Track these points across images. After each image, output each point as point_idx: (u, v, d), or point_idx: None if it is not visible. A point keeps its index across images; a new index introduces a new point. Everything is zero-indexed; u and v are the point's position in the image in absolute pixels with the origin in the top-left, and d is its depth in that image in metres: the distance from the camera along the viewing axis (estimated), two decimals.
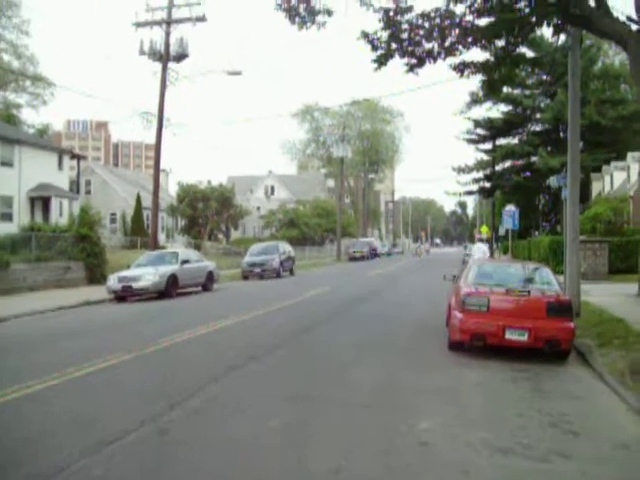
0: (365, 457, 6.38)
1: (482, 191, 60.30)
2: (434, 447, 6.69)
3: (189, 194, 61.14)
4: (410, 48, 15.50)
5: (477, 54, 55.78)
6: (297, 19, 15.29)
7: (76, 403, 8.57)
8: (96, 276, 31.66)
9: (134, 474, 5.93)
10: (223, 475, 5.94)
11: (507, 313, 11.53)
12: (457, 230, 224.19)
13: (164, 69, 34.81)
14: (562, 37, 18.06)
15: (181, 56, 35.21)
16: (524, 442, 6.88)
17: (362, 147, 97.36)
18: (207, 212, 61.32)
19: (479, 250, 29.76)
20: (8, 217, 40.27)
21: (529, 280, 12.77)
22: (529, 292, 11.83)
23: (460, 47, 15.46)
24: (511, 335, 11.28)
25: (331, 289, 27.87)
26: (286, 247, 43.09)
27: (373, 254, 72.53)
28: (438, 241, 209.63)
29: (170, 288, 24.96)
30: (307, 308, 20.53)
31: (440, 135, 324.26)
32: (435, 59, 15.58)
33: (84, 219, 32.56)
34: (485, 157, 58.06)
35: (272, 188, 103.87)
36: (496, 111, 55.05)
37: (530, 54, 37.85)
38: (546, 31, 48.50)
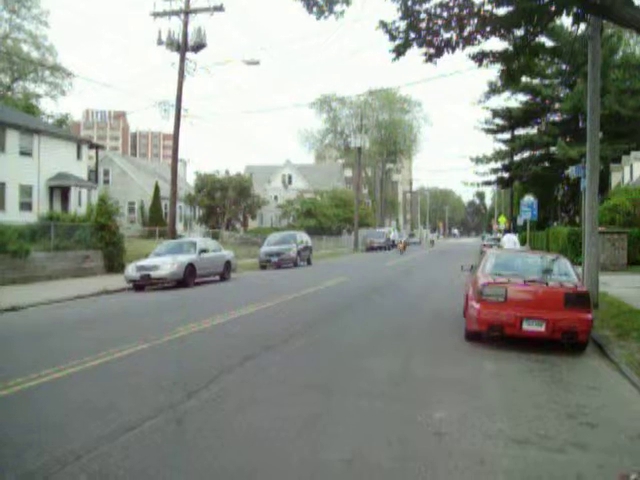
0: (380, 447, 6.39)
1: (500, 181, 60.10)
2: (450, 437, 6.69)
3: (207, 184, 61.27)
4: (428, 38, 15.43)
5: (496, 43, 55.53)
6: (315, 8, 15.24)
7: (93, 391, 8.63)
8: (114, 265, 31.82)
9: (151, 461, 5.96)
10: (238, 464, 5.96)
11: (525, 304, 11.49)
12: (475, 220, 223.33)
13: (182, 59, 34.81)
14: (582, 26, 17.89)
15: (199, 46, 35.18)
16: (541, 433, 6.86)
17: (380, 137, 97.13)
18: (225, 202, 61.44)
19: (509, 241, 28.91)
20: (27, 206, 40.54)
21: (547, 271, 12.70)
22: (547, 283, 11.78)
23: (479, 37, 15.37)
24: (528, 326, 11.25)
25: (348, 279, 27.87)
26: (303, 237, 43.13)
27: (390, 244, 72.42)
28: (456, 231, 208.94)
29: (188, 277, 25.04)
30: (324, 298, 20.56)
31: (458, 125, 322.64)
32: (454, 49, 15.50)
33: (102, 208, 32.69)
34: (503, 147, 57.80)
35: (290, 178, 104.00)
36: (515, 101, 54.81)
37: (549, 43, 37.64)
38: (566, 20, 48.16)
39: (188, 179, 75.70)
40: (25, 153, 40.88)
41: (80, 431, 6.78)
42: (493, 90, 52.21)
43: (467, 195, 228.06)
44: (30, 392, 8.55)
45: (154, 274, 24.29)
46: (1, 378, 9.07)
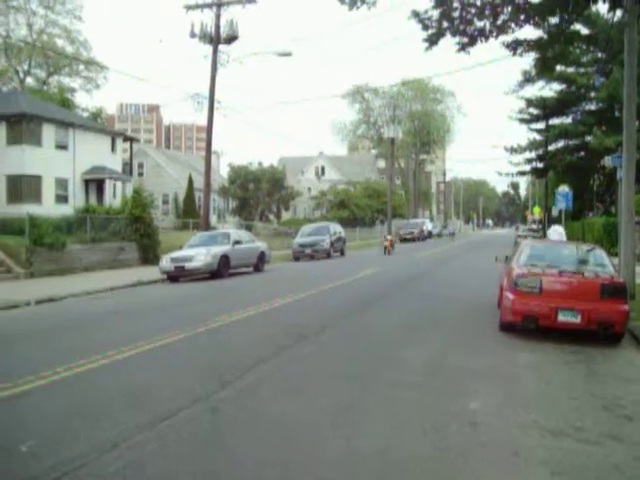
0: (414, 437, 6.39)
1: (535, 171, 59.49)
2: (484, 427, 6.67)
3: (240, 175, 61.52)
4: (461, 27, 15.37)
5: (530, 32, 54.81)
6: None
7: (129, 381, 8.73)
8: (149, 257, 32.12)
9: (188, 450, 6.02)
10: (273, 453, 6.00)
11: (560, 295, 11.39)
12: (509, 211, 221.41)
13: (214, 51, 34.92)
14: (618, 13, 17.66)
15: (231, 38, 35.24)
16: (576, 425, 6.82)
17: (413, 127, 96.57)
18: (258, 193, 61.66)
19: (555, 232, 27.92)
20: (63, 199, 40.99)
21: (582, 262, 12.57)
22: (582, 274, 11.67)
23: (513, 25, 15.28)
24: (564, 317, 11.15)
25: (382, 270, 27.84)
26: (337, 228, 43.14)
27: (424, 235, 72.14)
28: (489, 222, 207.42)
29: (222, 268, 25.18)
30: (358, 288, 20.57)
31: (492, 115, 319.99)
32: (487, 37, 15.42)
33: (137, 201, 32.99)
34: (538, 137, 57.12)
35: (323, 169, 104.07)
36: (549, 90, 54.18)
37: (585, 31, 37.08)
38: (602, 7, 47.47)
39: (222, 171, 76.07)
40: (61, 146, 41.31)
41: (117, 420, 6.87)
42: (527, 79, 51.57)
43: (501, 185, 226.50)
44: (66, 382, 8.68)
45: (188, 265, 24.47)
46: (37, 368, 9.20)
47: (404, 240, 67.38)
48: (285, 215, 71.96)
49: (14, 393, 8.07)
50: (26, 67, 63.75)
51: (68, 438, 6.33)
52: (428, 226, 79.86)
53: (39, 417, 7.18)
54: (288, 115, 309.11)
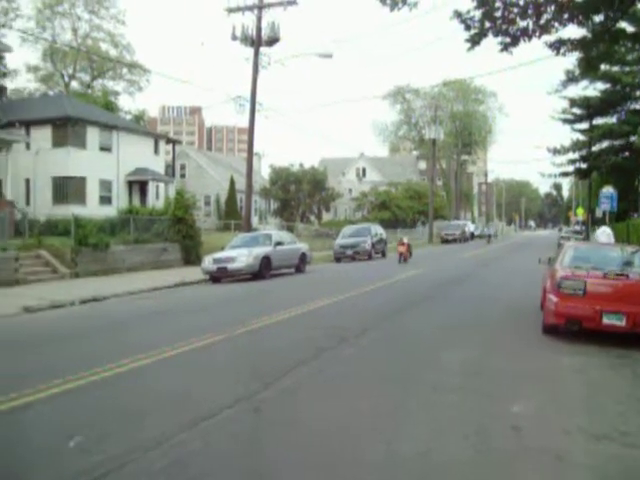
0: (455, 440, 6.34)
1: (578, 172, 58.72)
2: (526, 432, 6.59)
3: (281, 177, 61.74)
4: (504, 27, 15.25)
5: (574, 31, 54.13)
6: (389, 0, 15.20)
7: (171, 381, 8.83)
8: (191, 258, 32.39)
9: (231, 449, 6.08)
10: (315, 454, 6.02)
11: (604, 297, 11.22)
12: (552, 212, 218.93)
13: (256, 54, 35.10)
14: None
15: (272, 40, 35.39)
16: (622, 429, 6.71)
17: (454, 128, 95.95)
18: (299, 194, 61.81)
19: (603, 234, 26.81)
20: (107, 200, 41.54)
21: (628, 263, 12.37)
22: (627, 276, 11.49)
23: (556, 24, 15.12)
24: (608, 320, 10.99)
25: (423, 271, 27.73)
26: (378, 229, 43.07)
27: (465, 237, 71.71)
28: (532, 223, 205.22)
29: (263, 269, 25.31)
30: (399, 290, 20.52)
31: (534, 115, 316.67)
32: (530, 37, 15.27)
33: (180, 202, 33.30)
34: (581, 137, 56.40)
35: (364, 170, 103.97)
36: (593, 89, 53.35)
37: (630, 29, 36.51)
38: None
39: (263, 172, 76.39)
40: (105, 149, 41.87)
41: (160, 419, 6.96)
42: (570, 79, 50.91)
43: (544, 187, 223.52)
44: (110, 381, 8.80)
45: (230, 266, 24.64)
46: (81, 368, 9.35)
47: (445, 242, 67.08)
48: (326, 216, 72.04)
49: (62, 390, 8.21)
50: (71, 71, 64.90)
51: (114, 436, 6.42)
52: (470, 227, 79.35)
53: (85, 414, 7.30)
54: (329, 116, 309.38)
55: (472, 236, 74.65)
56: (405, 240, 35.60)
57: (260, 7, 34.50)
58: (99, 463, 5.67)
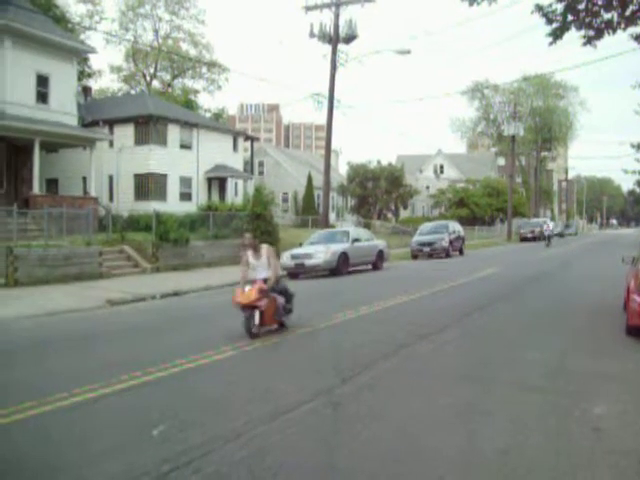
0: (535, 439, 6.25)
1: None
2: (608, 433, 6.44)
3: (359, 174, 61.72)
4: (587, 19, 14.92)
5: None
6: None
7: (250, 374, 8.98)
8: None
9: (309, 443, 6.13)
10: (395, 449, 6.02)
11: None
12: (635, 210, 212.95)
13: (334, 51, 35.23)
14: None
15: (350, 37, 35.46)
16: None
17: (534, 124, 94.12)
18: (376, 191, 61.68)
19: None
20: (187, 197, 42.25)
21: None
22: None
23: None
24: None
25: (501, 269, 27.37)
26: (456, 226, 42.71)
27: (544, 235, 70.35)
28: (614, 221, 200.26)
29: (341, 266, 25.39)
30: (477, 288, 20.30)
31: (618, 110, 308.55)
32: (615, 30, 14.91)
33: (258, 198, 33.65)
34: None
35: (441, 167, 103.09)
36: None
37: None
38: None
39: (340, 169, 76.60)
40: (185, 146, 42.57)
41: (239, 411, 7.07)
42: None
43: (627, 183, 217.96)
44: (190, 373, 9.02)
45: (308, 262, 24.80)
46: (162, 359, 9.60)
47: (524, 240, 66.04)
48: (403, 213, 71.75)
49: (144, 381, 8.45)
50: (152, 71, 66.25)
51: (195, 426, 6.57)
52: (550, 226, 77.93)
53: (167, 405, 7.47)
54: (406, 113, 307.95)
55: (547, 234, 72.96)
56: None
57: (338, 4, 34.61)
58: (181, 452, 5.82)
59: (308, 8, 34.96)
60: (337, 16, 34.83)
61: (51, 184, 38.86)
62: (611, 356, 10.22)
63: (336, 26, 34.89)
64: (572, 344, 11.23)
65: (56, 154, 37.79)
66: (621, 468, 5.63)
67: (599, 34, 15.12)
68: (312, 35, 35.33)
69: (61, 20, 43.98)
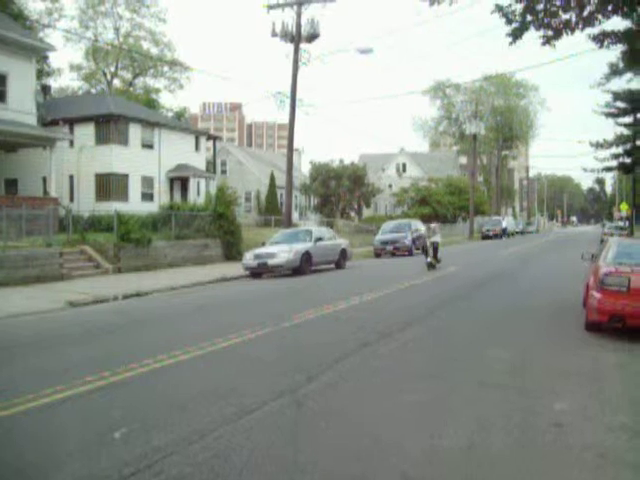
0: (498, 436, 6.33)
1: (622, 167, 57.89)
2: (569, 429, 6.54)
3: (321, 173, 61.78)
4: (546, 20, 15.10)
5: (618, 23, 53.23)
6: None
7: (214, 374, 8.94)
8: (232, 253, 32.65)
9: (275, 442, 6.13)
10: (358, 446, 6.05)
11: None
12: (594, 208, 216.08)
13: (296, 50, 35.24)
14: None
15: (312, 36, 35.49)
16: None
17: (495, 123, 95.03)
18: (339, 190, 61.80)
19: None
20: (149, 197, 41.95)
21: None
22: None
23: (599, 16, 14.94)
24: None
25: (464, 267, 27.63)
26: (418, 225, 42.93)
27: (506, 233, 71.14)
28: (574, 219, 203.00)
29: (304, 265, 25.42)
30: (439, 286, 20.44)
31: (576, 109, 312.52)
32: (572, 30, 15.12)
33: (221, 198, 33.58)
34: (625, 131, 55.61)
35: (404, 166, 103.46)
36: (637, 82, 52.53)
37: None
38: None
39: (303, 168, 76.58)
40: (146, 145, 42.26)
41: (203, 413, 7.04)
42: (614, 72, 50.07)
43: (586, 182, 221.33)
44: (152, 374, 8.96)
45: (271, 262, 24.79)
46: (123, 361, 9.52)
47: (486, 237, 66.76)
48: (366, 212, 71.98)
49: (106, 383, 8.38)
50: (113, 69, 65.66)
51: (157, 428, 6.53)
52: (511, 223, 78.73)
53: (129, 407, 7.42)
54: (369, 112, 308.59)
55: (509, 232, 73.51)
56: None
57: (299, 3, 34.63)
58: (142, 455, 5.79)
59: (270, 7, 34.90)
60: (299, 15, 34.84)
61: (10, 185, 38.31)
62: (571, 352, 10.36)
63: (298, 25, 34.89)
64: (533, 341, 11.37)
65: (15, 154, 37.27)
66: (581, 462, 5.72)
67: (558, 34, 15.31)
68: (274, 34, 35.30)
69: (19, 17, 43.45)
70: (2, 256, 21.82)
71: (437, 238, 27.42)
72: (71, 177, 39.56)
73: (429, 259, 26.59)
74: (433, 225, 29.38)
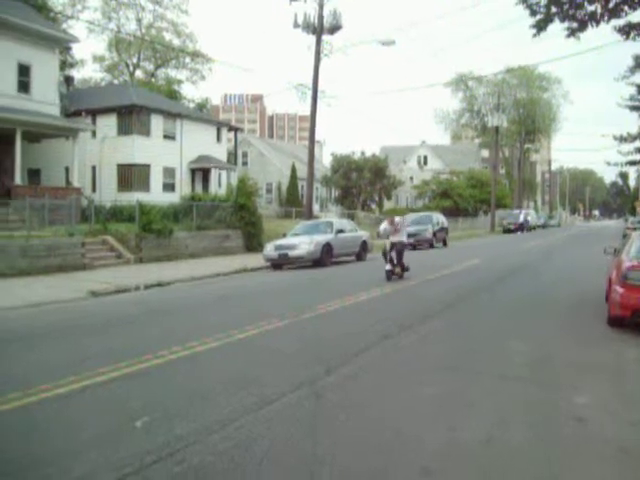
0: (518, 429, 6.30)
1: None
2: (591, 423, 6.50)
3: (343, 165, 61.69)
4: (571, 11, 14.98)
5: None
6: None
7: (234, 365, 8.96)
8: (253, 244, 32.71)
9: (294, 433, 6.14)
10: (377, 438, 6.05)
11: None
12: (617, 202, 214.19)
13: (318, 42, 35.18)
14: None
15: (334, 28, 35.41)
16: None
17: (517, 116, 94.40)
18: (360, 182, 61.71)
19: None
20: (171, 187, 42.09)
21: None
22: None
23: (626, 7, 14.77)
24: None
25: (485, 260, 27.48)
26: (439, 218, 42.88)
27: (526, 226, 70.69)
28: (597, 213, 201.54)
29: (325, 257, 25.43)
30: (461, 279, 20.36)
31: (601, 102, 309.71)
32: (598, 22, 14.97)
33: (242, 189, 33.64)
34: None
35: (425, 158, 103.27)
36: None
37: None
38: None
39: (324, 160, 76.50)
40: (168, 136, 42.37)
41: (224, 403, 7.06)
42: (639, 64, 49.62)
43: (609, 176, 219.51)
44: (174, 364, 9.01)
45: (292, 253, 24.83)
46: (145, 351, 9.60)
47: (508, 231, 66.39)
48: (387, 204, 71.83)
49: (127, 372, 8.43)
50: (135, 60, 65.89)
51: (179, 417, 6.56)
52: (533, 217, 78.26)
53: (151, 396, 7.46)
54: (391, 105, 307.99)
55: (531, 225, 73.00)
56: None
57: None
58: (164, 444, 5.82)
59: None
60: (321, 6, 34.79)
61: (33, 175, 38.55)
62: (593, 346, 10.29)
63: (320, 16, 34.84)
64: (555, 334, 11.30)
65: (38, 144, 37.49)
66: (603, 457, 5.68)
67: (583, 26, 15.17)
68: (296, 25, 35.27)
69: (42, 8, 43.59)
70: (25, 245, 22.00)
71: (402, 237, 20.48)
72: (93, 167, 39.80)
73: (388, 266, 19.45)
74: (398, 219, 21.22)
